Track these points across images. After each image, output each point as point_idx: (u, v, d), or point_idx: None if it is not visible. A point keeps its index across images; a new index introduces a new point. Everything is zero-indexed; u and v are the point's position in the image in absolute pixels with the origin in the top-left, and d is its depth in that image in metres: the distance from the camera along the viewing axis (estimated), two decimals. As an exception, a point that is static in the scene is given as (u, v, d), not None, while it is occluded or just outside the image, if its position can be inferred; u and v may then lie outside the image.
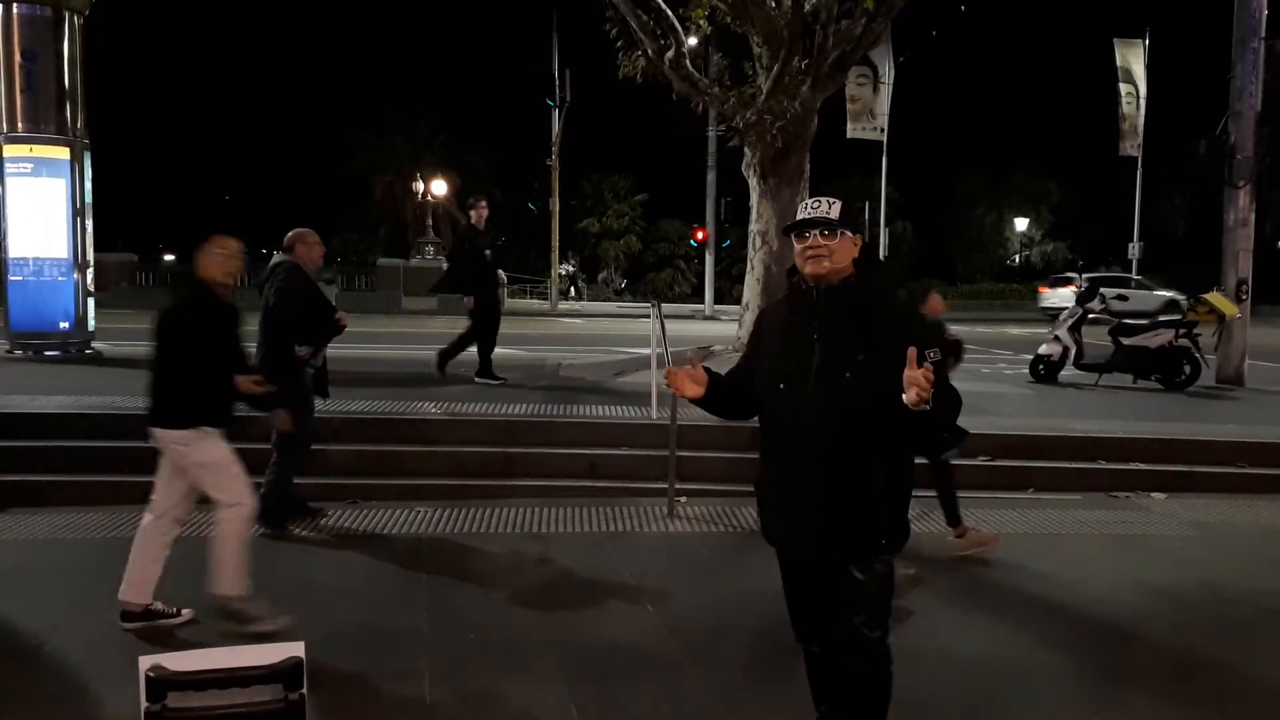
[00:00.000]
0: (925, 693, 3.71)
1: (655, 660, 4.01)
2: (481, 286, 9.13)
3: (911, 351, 2.43)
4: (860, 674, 2.77)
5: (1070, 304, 11.65)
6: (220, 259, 4.29)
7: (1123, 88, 22.00)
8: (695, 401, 2.86)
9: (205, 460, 4.19)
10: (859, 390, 2.59)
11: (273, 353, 5.47)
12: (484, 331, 9.22)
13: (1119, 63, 21.87)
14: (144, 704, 1.73)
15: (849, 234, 2.68)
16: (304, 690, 1.82)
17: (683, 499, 6.44)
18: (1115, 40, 22.01)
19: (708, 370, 2.85)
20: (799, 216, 2.73)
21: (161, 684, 1.74)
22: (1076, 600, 4.80)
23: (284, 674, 1.79)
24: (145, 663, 1.76)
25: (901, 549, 2.79)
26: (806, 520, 2.71)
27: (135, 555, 4.21)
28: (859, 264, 2.71)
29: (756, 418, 2.90)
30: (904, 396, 2.45)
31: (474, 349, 9.24)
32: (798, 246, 2.71)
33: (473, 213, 9.13)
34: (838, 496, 2.66)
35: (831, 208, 2.68)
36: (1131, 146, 22.15)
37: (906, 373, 2.44)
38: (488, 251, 9.17)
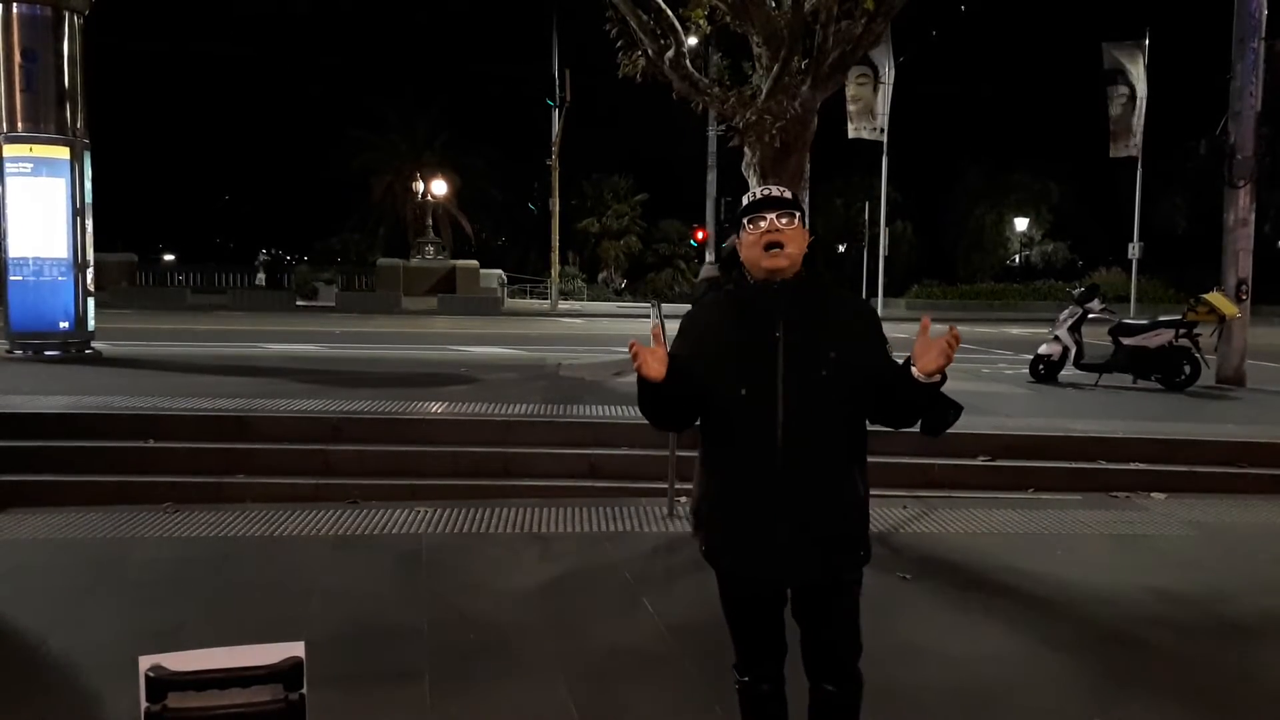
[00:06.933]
0: (924, 692, 3.72)
1: (655, 660, 4.01)
2: None
3: (925, 319, 2.38)
4: (842, 701, 2.62)
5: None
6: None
7: (1110, 90, 21.96)
8: (649, 393, 2.48)
9: None
10: (835, 390, 2.45)
11: None
12: None
13: (1106, 65, 21.83)
14: (144, 704, 1.74)
15: (802, 222, 2.53)
16: (304, 690, 1.81)
17: (683, 499, 6.43)
18: (1104, 44, 21.98)
19: (672, 357, 2.49)
20: (752, 199, 2.57)
21: (161, 684, 1.74)
22: (1076, 600, 4.80)
23: (284, 674, 1.79)
24: (145, 663, 1.76)
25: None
26: (786, 540, 2.46)
27: None
28: (806, 260, 2.55)
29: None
30: (915, 368, 2.35)
31: None
32: (750, 236, 2.51)
33: None
34: (822, 509, 2.47)
35: (784, 192, 2.54)
36: (1122, 149, 22.09)
37: (921, 341, 2.34)
38: None
